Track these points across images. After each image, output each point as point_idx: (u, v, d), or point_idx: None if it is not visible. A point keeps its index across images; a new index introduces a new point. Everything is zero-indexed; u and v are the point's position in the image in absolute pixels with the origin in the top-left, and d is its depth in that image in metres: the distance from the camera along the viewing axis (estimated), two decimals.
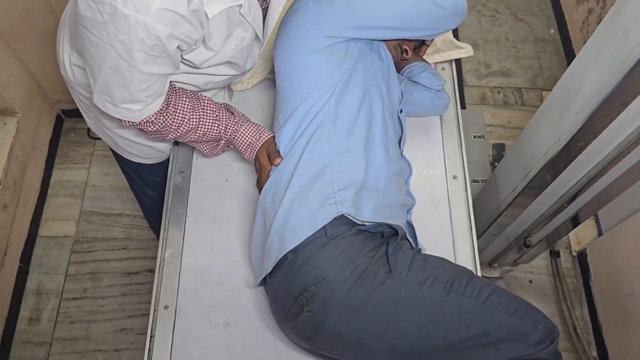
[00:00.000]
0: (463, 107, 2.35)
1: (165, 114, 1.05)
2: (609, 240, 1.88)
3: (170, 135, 1.10)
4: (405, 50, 1.22)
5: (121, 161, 1.42)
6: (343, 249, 0.94)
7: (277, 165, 1.07)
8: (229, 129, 1.14)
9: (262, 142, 1.13)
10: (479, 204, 1.69)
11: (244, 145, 1.15)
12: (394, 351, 0.94)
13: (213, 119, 1.12)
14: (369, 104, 1.06)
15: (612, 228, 1.83)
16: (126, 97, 0.96)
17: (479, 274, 1.19)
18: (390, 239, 1.00)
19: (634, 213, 1.64)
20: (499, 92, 2.46)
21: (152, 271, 2.02)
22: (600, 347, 1.89)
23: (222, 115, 1.13)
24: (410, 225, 1.13)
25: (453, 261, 1.19)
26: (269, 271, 1.00)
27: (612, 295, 1.84)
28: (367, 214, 0.98)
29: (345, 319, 0.93)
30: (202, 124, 1.11)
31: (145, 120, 1.03)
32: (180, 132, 1.09)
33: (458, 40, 1.40)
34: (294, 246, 0.95)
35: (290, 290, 0.96)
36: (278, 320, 1.04)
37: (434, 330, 0.92)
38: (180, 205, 1.22)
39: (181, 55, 1.01)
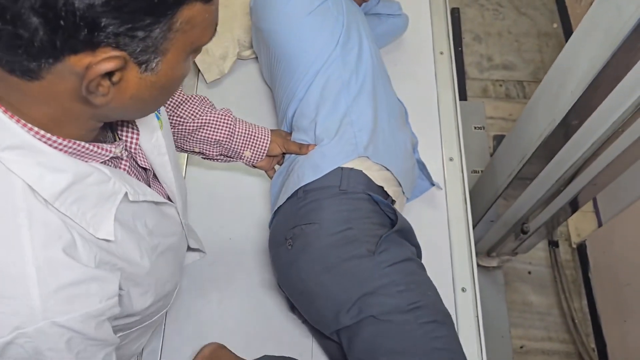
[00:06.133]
0: (465, 99, 2.35)
1: None
2: (608, 231, 1.87)
3: None
4: None
5: None
6: (348, 208, 0.96)
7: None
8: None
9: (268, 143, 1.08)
10: (477, 192, 1.69)
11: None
12: (336, 322, 0.91)
13: None
14: (365, 49, 1.11)
15: (612, 218, 1.83)
16: None
17: (474, 257, 1.19)
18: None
19: (634, 202, 1.64)
20: (500, 85, 2.46)
21: None
22: (598, 339, 1.88)
23: None
24: (420, 162, 1.19)
25: (448, 242, 1.20)
26: (282, 203, 1.02)
27: (611, 286, 1.83)
28: (380, 156, 1.03)
29: (314, 269, 0.93)
30: None
31: None
32: None
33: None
34: (311, 180, 0.98)
35: (287, 221, 1.00)
36: (269, 246, 1.07)
37: (382, 329, 0.87)
38: None
39: None
